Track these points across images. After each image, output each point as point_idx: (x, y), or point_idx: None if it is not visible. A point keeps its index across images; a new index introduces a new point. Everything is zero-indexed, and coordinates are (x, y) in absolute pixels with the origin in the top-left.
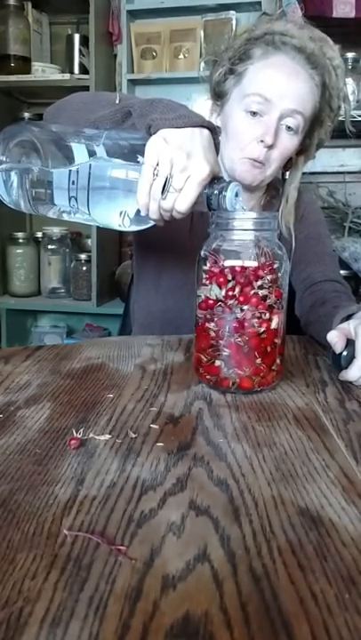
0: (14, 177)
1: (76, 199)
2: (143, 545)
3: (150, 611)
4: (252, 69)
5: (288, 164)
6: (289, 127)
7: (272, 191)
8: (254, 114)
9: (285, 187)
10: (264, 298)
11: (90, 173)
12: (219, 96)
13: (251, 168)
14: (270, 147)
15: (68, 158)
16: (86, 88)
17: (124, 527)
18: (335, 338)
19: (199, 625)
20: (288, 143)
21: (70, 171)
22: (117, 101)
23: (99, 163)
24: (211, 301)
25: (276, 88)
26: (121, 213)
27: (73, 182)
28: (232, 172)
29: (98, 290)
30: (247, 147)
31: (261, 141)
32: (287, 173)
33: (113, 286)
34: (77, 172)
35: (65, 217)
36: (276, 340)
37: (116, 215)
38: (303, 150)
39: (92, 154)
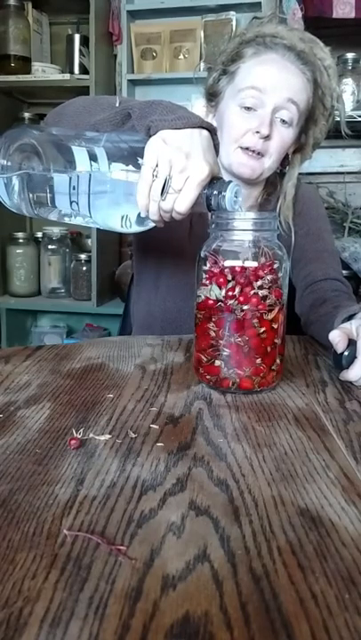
0: (15, 181)
1: (77, 203)
2: (143, 545)
3: (150, 611)
4: (244, 67)
5: (285, 162)
6: (283, 120)
7: (269, 188)
8: (249, 109)
9: (283, 184)
10: (264, 298)
11: (90, 177)
12: (213, 96)
13: (247, 159)
14: (267, 138)
15: (69, 161)
16: (86, 88)
17: (124, 527)
18: (337, 338)
19: (199, 625)
20: (284, 135)
21: (71, 176)
22: (117, 104)
23: (99, 167)
24: (211, 301)
25: (269, 80)
26: (123, 217)
27: (74, 187)
28: (229, 167)
29: (98, 290)
30: (242, 137)
31: (257, 132)
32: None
33: (113, 286)
34: (78, 176)
35: (66, 220)
36: (276, 340)
37: (117, 218)
38: (299, 148)
39: (92, 156)
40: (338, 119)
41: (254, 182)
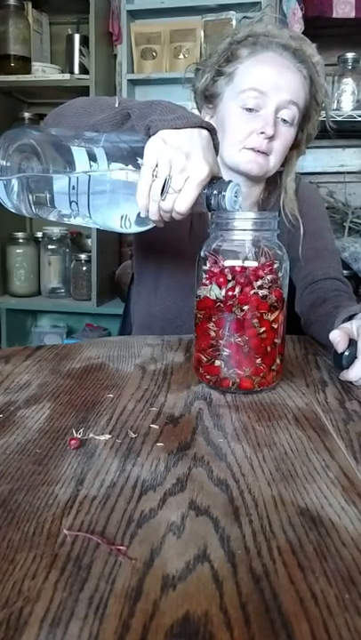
0: (15, 182)
1: (76, 203)
2: (143, 545)
3: (150, 611)
4: (242, 68)
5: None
6: (285, 120)
7: (270, 186)
8: (251, 110)
9: (283, 180)
10: (264, 298)
11: (90, 177)
12: (212, 97)
13: (255, 157)
14: (271, 138)
15: (69, 162)
16: (86, 88)
17: (124, 527)
18: (338, 337)
19: (199, 625)
20: (287, 134)
21: (70, 176)
22: (117, 105)
23: (98, 167)
24: (211, 301)
25: (270, 81)
26: (122, 217)
27: (73, 187)
28: (235, 166)
29: (98, 290)
30: (247, 139)
31: (262, 133)
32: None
33: (113, 286)
34: (77, 177)
35: (66, 220)
36: (276, 340)
37: (117, 218)
38: (296, 145)
39: (92, 157)
40: (323, 118)
41: (258, 180)
